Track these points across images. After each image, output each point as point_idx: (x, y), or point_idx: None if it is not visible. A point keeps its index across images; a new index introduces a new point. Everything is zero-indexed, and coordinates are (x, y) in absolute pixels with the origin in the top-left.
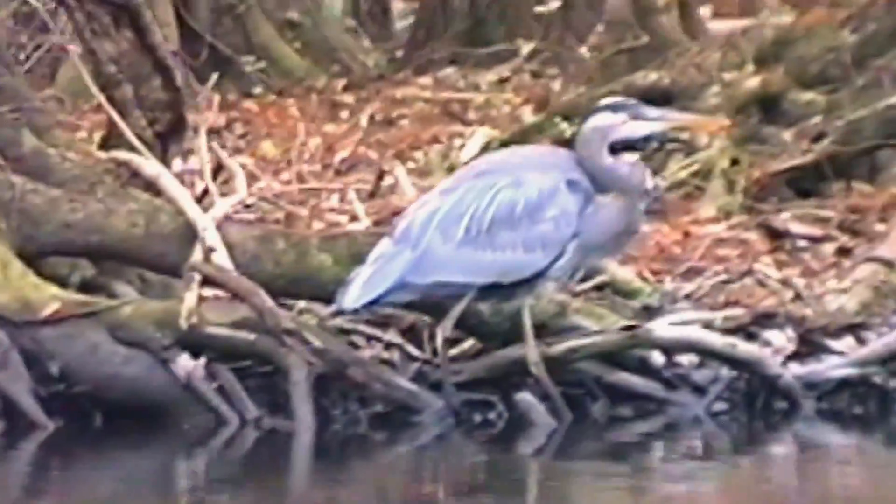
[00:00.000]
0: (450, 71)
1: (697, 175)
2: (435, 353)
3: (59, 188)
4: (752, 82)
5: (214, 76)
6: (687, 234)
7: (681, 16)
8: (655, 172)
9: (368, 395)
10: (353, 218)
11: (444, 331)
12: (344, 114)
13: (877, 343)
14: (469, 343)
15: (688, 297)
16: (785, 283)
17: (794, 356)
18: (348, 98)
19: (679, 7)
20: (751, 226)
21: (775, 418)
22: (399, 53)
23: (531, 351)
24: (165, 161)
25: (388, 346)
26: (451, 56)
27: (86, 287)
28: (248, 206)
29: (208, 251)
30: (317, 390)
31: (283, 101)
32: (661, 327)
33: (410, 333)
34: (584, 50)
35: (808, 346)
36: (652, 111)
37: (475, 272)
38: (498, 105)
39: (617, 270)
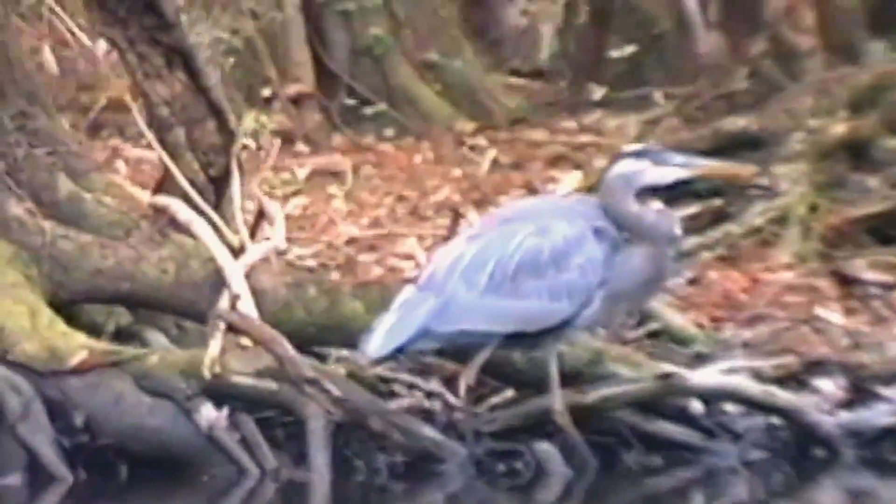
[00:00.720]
0: (599, 114)
1: (775, 221)
2: (475, 401)
3: (94, 233)
4: (839, 129)
5: (241, 141)
6: (756, 281)
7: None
8: (734, 218)
9: (387, 445)
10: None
11: (467, 379)
12: (476, 157)
13: None
14: (511, 392)
15: (745, 344)
16: (845, 329)
17: (845, 404)
18: (482, 141)
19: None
20: (823, 272)
21: (817, 466)
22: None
23: (556, 400)
24: (220, 205)
25: (429, 395)
26: (602, 99)
27: (120, 334)
28: (280, 253)
29: (234, 298)
30: (341, 440)
31: (419, 143)
32: (696, 376)
33: (454, 382)
34: (658, 96)
35: (860, 393)
36: (677, 157)
37: (499, 320)
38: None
39: (673, 317)
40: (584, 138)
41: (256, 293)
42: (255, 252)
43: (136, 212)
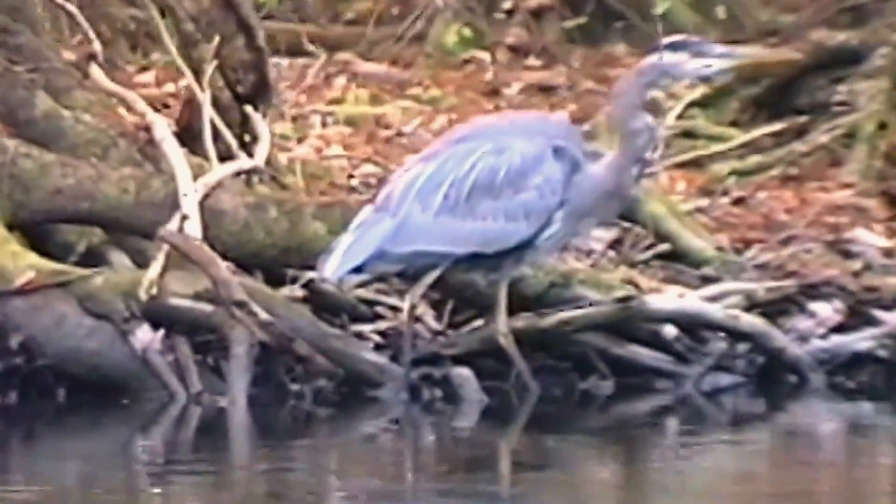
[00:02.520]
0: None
1: (843, 139)
2: (451, 325)
3: (70, 151)
4: None
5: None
6: (804, 201)
7: None
8: (802, 134)
9: (311, 370)
10: None
11: (412, 298)
12: None
13: None
14: None
15: (762, 266)
16: (879, 251)
17: (838, 328)
18: None
19: None
20: (875, 192)
21: (785, 391)
22: None
23: (501, 322)
24: (245, 123)
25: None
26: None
27: (91, 255)
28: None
29: (183, 219)
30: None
31: None
32: (656, 300)
33: (439, 306)
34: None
35: (857, 317)
36: (717, 48)
37: (455, 241)
38: None
39: (689, 239)
40: None
41: (216, 214)
42: (219, 172)
43: (114, 130)
